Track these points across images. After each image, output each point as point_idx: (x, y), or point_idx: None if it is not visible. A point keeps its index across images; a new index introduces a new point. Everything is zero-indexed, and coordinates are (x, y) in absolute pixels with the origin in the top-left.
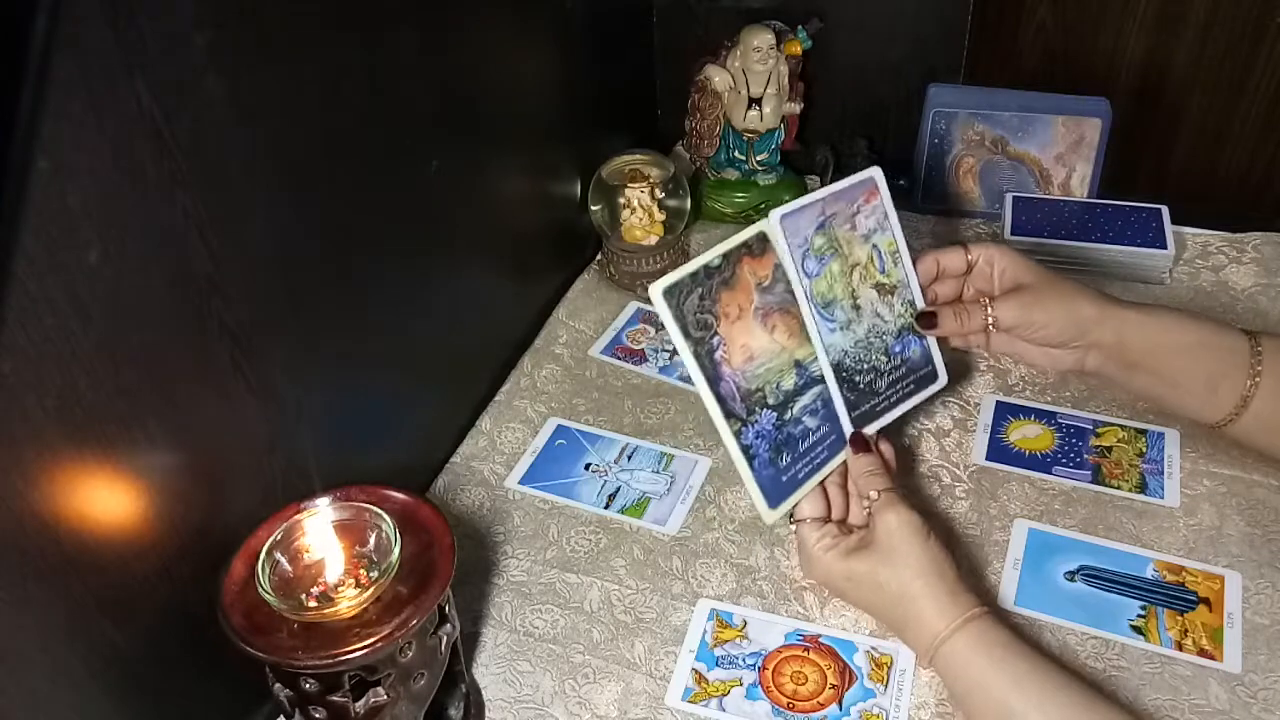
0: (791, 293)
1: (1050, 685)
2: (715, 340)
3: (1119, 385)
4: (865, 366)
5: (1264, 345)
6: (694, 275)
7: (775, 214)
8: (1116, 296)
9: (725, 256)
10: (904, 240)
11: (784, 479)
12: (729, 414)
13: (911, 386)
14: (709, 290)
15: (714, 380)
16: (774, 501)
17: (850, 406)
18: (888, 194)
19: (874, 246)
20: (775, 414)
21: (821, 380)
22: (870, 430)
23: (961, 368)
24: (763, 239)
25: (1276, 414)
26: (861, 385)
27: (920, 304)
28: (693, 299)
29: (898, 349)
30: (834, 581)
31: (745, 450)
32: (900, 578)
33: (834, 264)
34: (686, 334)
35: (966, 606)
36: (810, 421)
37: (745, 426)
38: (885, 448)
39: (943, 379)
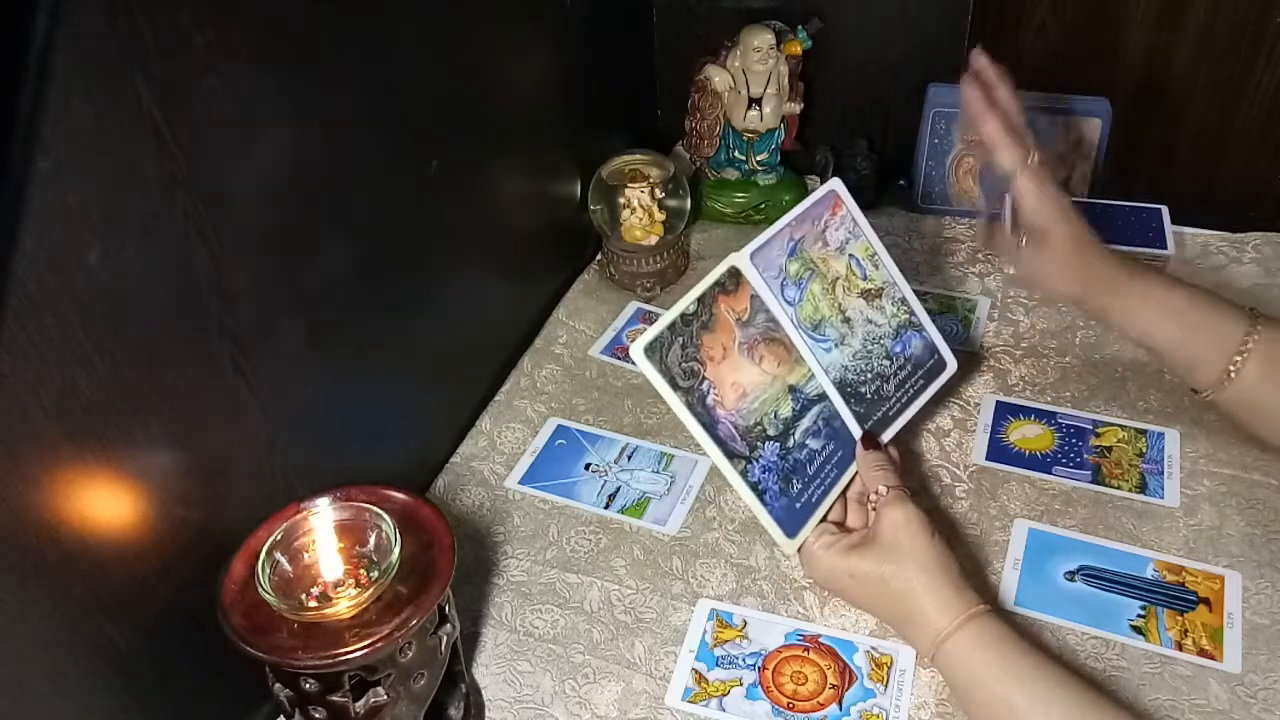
0: (774, 321)
1: (1053, 682)
2: (705, 386)
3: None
4: (869, 375)
5: (1260, 331)
6: (672, 326)
7: (744, 252)
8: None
9: (700, 300)
10: (878, 242)
11: (798, 505)
12: (732, 455)
13: (921, 381)
14: (690, 337)
15: (710, 425)
16: (792, 530)
17: (861, 419)
18: (852, 202)
19: (850, 256)
20: (778, 444)
21: (819, 400)
22: (888, 435)
23: (961, 368)
24: (734, 274)
25: (1255, 394)
26: (869, 395)
27: (910, 298)
28: (674, 350)
29: (898, 349)
30: (836, 579)
31: (754, 487)
32: (904, 573)
33: (814, 285)
34: (675, 386)
35: (970, 603)
36: (814, 444)
37: (750, 464)
38: (891, 451)
39: (952, 365)
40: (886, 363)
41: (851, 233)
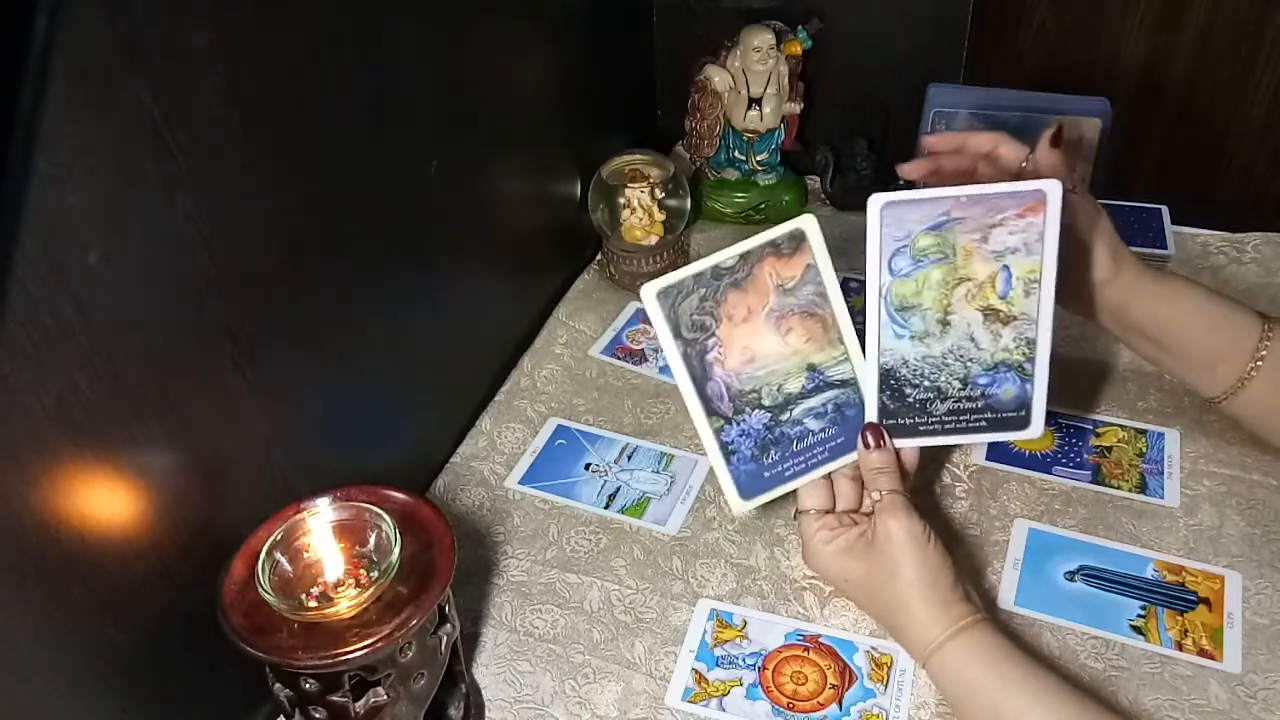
0: (822, 295)
1: (1045, 689)
2: (710, 342)
3: (1124, 343)
4: (925, 384)
5: (1276, 331)
6: (698, 276)
7: (878, 198)
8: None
9: (743, 257)
10: (1054, 273)
11: (766, 475)
12: (711, 412)
13: (983, 423)
14: (714, 291)
15: (700, 380)
16: (748, 493)
17: (885, 414)
18: (1057, 215)
19: (1005, 268)
20: (769, 415)
21: (840, 385)
22: (904, 444)
23: None
24: (797, 237)
25: (1272, 399)
26: (911, 399)
27: (1043, 347)
28: (691, 300)
29: (984, 381)
30: (831, 578)
31: (724, 447)
32: (894, 587)
33: (934, 270)
34: (677, 335)
35: (959, 616)
36: (814, 424)
37: (728, 424)
38: (908, 453)
39: (1034, 430)
40: (957, 385)
41: (1028, 245)
